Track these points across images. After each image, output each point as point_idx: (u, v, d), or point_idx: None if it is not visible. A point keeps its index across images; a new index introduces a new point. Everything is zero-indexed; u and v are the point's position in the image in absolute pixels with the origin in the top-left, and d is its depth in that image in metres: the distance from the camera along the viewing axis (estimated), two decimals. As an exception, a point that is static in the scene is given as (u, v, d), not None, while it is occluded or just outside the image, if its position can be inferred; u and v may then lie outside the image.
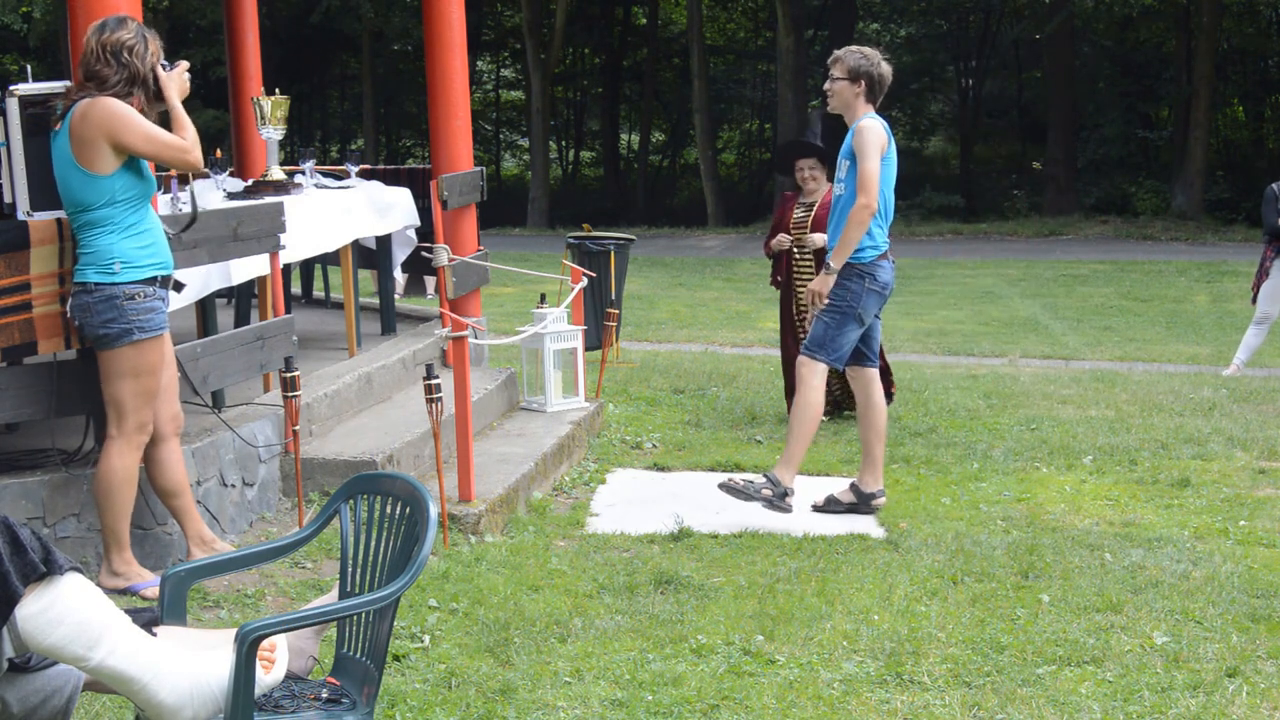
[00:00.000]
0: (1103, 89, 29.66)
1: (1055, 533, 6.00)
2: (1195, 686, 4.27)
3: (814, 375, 6.29)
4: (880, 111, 6.37)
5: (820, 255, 7.97)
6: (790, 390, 8.12)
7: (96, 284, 4.81)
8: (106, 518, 4.96)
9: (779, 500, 6.21)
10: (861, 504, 6.48)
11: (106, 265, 4.80)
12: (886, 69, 6.31)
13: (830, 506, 6.51)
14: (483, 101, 37.61)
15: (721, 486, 6.25)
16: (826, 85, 6.37)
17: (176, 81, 4.97)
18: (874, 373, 6.53)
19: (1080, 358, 12.09)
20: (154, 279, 4.90)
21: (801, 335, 7.94)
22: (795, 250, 8.19)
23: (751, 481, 6.24)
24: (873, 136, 6.18)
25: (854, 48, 6.42)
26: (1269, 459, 7.42)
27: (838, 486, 6.70)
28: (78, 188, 4.79)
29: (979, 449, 7.61)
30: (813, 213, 8.11)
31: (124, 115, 4.78)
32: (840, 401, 8.28)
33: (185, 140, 4.91)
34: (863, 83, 6.25)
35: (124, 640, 2.82)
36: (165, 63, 4.99)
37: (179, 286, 5.31)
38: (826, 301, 6.26)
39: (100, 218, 4.79)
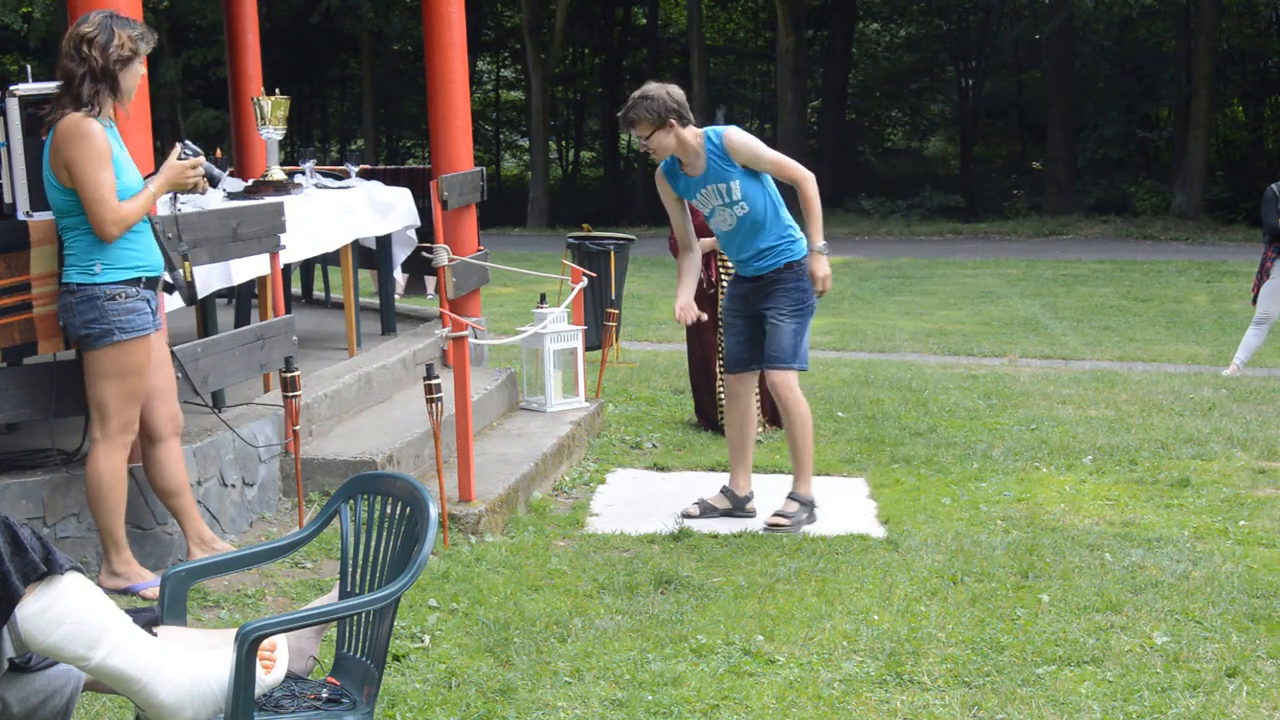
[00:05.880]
0: (1103, 89, 29.69)
1: (1055, 533, 6.00)
2: (1195, 686, 4.27)
3: (792, 389, 6.18)
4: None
5: (713, 255, 7.86)
6: (702, 404, 8.05)
7: (78, 284, 4.81)
8: (100, 519, 4.95)
9: (813, 514, 6.22)
10: (736, 508, 6.36)
11: (87, 266, 4.80)
12: (675, 89, 6.09)
13: (707, 512, 6.34)
14: (483, 101, 37.63)
15: (769, 528, 6.10)
16: (640, 147, 6.16)
17: (174, 170, 4.92)
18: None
19: (1080, 358, 12.08)
20: (138, 280, 4.87)
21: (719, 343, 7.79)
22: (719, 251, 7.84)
23: (790, 515, 6.15)
24: (751, 139, 6.04)
25: (634, 97, 6.09)
26: (1269, 459, 7.42)
27: (839, 486, 6.70)
28: (55, 195, 4.81)
29: (979, 449, 7.61)
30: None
31: (80, 142, 4.67)
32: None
33: (119, 212, 4.71)
34: (672, 119, 6.02)
35: (124, 640, 2.82)
36: (191, 147, 4.96)
37: (170, 288, 5.28)
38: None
39: (80, 221, 4.78)
